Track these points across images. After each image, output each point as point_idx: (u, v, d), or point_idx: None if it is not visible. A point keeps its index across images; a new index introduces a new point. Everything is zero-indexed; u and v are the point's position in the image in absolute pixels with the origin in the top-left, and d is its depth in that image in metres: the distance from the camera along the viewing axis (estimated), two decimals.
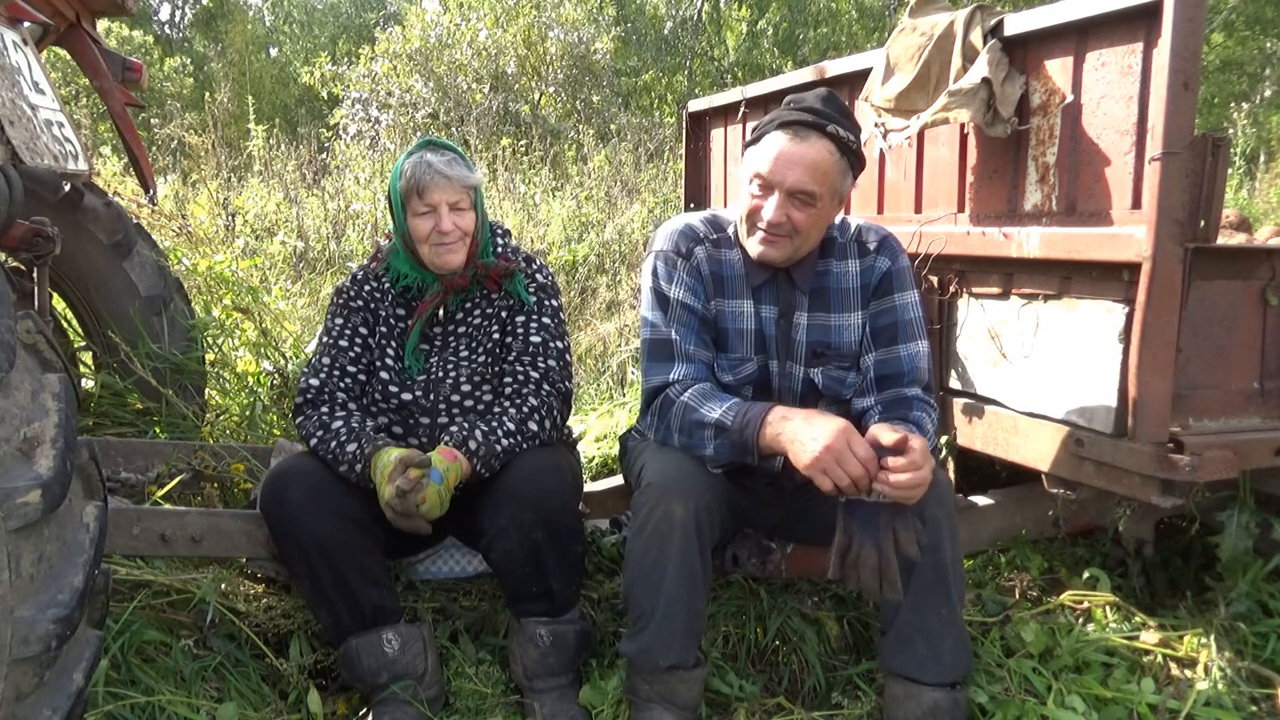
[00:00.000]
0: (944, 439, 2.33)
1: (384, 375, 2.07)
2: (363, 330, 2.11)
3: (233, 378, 3.21)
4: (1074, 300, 1.94)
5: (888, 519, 1.62)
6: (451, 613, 2.19)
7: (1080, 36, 1.87)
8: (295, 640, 2.02)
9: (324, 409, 2.01)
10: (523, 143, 7.97)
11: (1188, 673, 1.95)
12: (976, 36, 2.02)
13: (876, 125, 2.27)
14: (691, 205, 3.47)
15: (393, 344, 2.11)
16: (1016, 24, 1.97)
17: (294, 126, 11.33)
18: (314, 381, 2.04)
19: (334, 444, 1.93)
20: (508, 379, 2.07)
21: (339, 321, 2.11)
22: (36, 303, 2.30)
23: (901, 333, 1.89)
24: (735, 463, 1.77)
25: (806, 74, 2.69)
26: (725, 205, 3.22)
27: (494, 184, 6.94)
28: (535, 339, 2.09)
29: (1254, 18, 14.47)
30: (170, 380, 2.73)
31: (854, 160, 1.80)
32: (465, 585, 2.26)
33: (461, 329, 2.12)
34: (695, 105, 3.38)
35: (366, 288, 2.14)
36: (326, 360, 2.07)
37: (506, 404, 2.03)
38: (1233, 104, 12.37)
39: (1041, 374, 2.03)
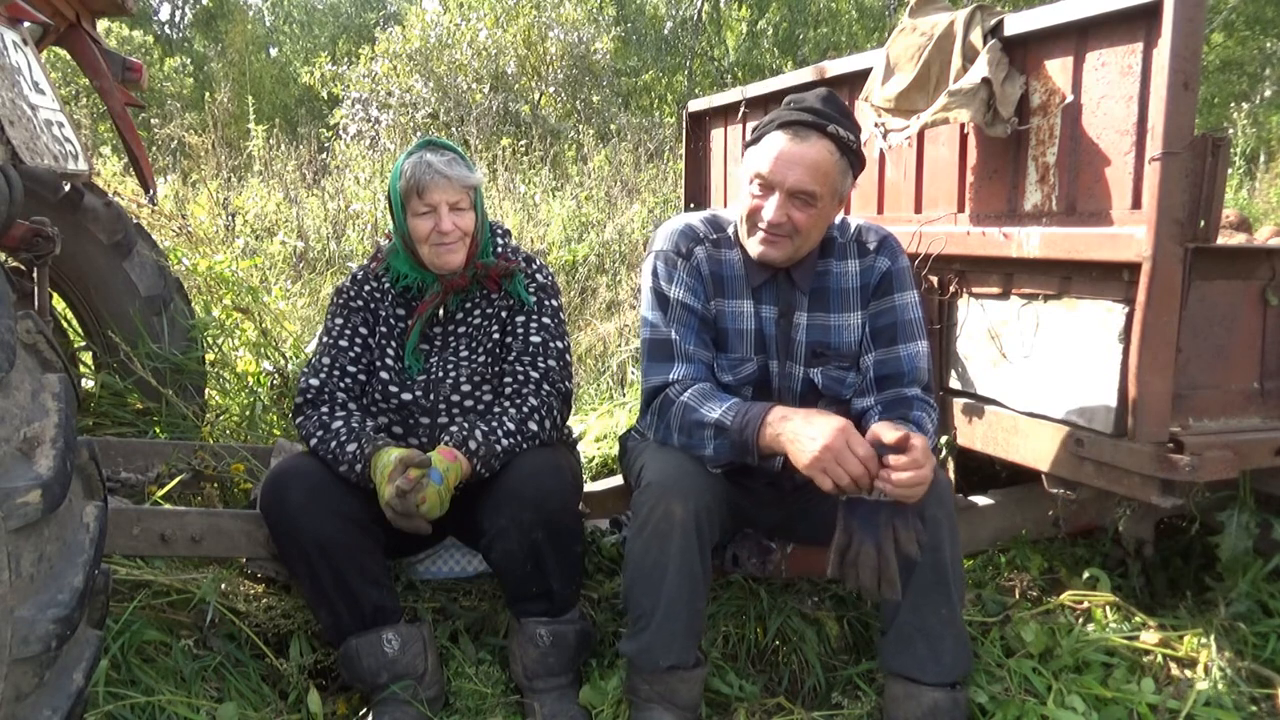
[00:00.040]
0: (944, 439, 2.33)
1: (384, 375, 2.07)
2: (363, 330, 2.11)
3: (233, 378, 3.21)
4: (1074, 300, 1.94)
5: (888, 518, 1.62)
6: (451, 613, 2.19)
7: (1080, 36, 1.87)
8: (295, 640, 2.02)
9: (324, 409, 2.01)
10: (523, 143, 7.97)
11: (1188, 673, 1.95)
12: (976, 36, 2.02)
13: (876, 125, 2.27)
14: (691, 205, 3.47)
15: (393, 344, 2.11)
16: (1016, 24, 1.97)
17: (294, 126, 11.33)
18: (314, 381, 2.04)
19: (334, 444, 1.93)
20: (508, 379, 2.07)
21: (339, 321, 2.11)
22: (36, 303, 2.30)
23: (901, 333, 1.89)
24: (735, 462, 1.78)
25: (806, 74, 2.69)
26: (725, 205, 3.22)
27: (494, 184, 6.94)
28: (535, 339, 2.09)
29: (1254, 18, 14.48)
30: (170, 380, 2.73)
31: (854, 160, 1.80)
32: (465, 585, 2.26)
33: (461, 329, 2.12)
34: (695, 105, 3.38)
35: (366, 288, 2.14)
36: (326, 360, 2.07)
37: (506, 404, 2.03)
38: (1233, 104, 12.38)
39: (1041, 374, 2.03)
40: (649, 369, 1.88)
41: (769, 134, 1.78)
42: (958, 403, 2.28)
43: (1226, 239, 3.22)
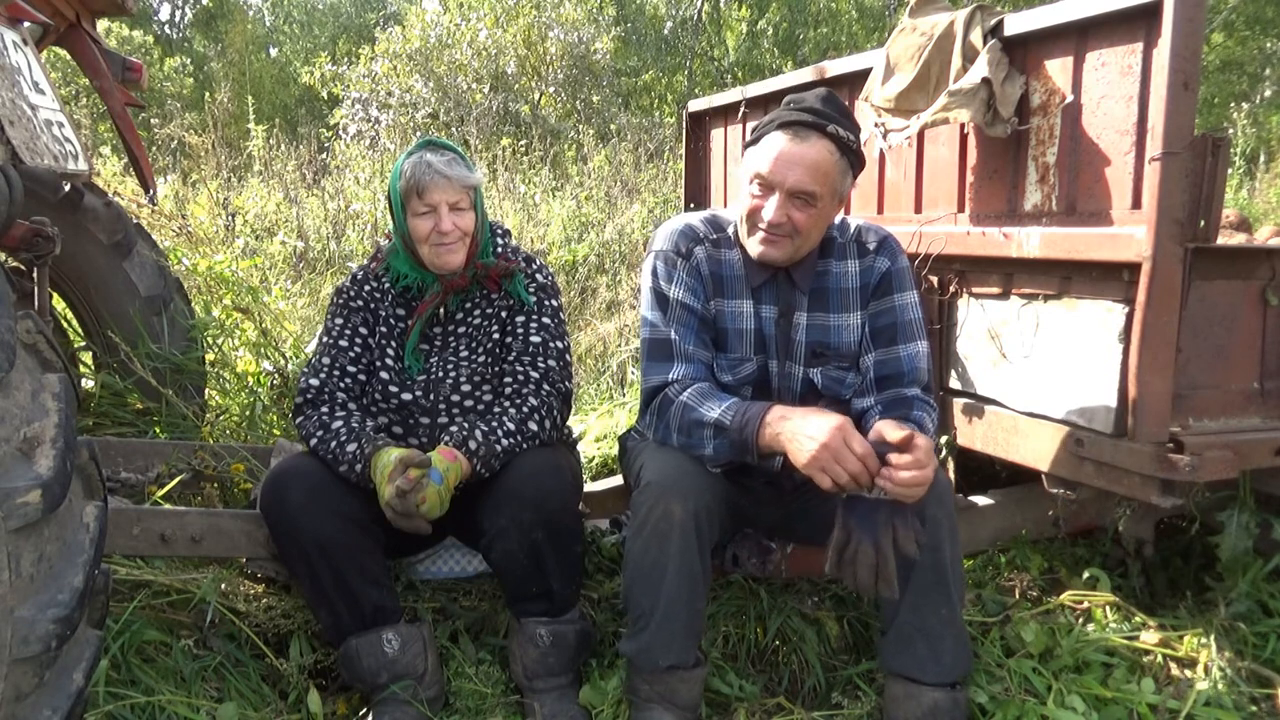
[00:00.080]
0: (944, 439, 2.33)
1: (384, 375, 2.07)
2: (363, 330, 2.11)
3: (233, 378, 3.21)
4: (1074, 300, 1.94)
5: (887, 516, 1.61)
6: (451, 613, 2.19)
7: (1080, 36, 1.87)
8: (295, 640, 2.02)
9: (324, 409, 2.02)
10: (523, 143, 7.97)
11: (1188, 673, 1.95)
12: (976, 36, 2.02)
13: (876, 125, 2.27)
14: (691, 205, 3.47)
15: (393, 344, 2.11)
16: (1016, 24, 1.97)
17: (294, 126, 11.34)
18: (314, 381, 2.04)
19: (334, 444, 1.93)
20: (508, 379, 2.07)
21: (339, 321, 2.11)
22: (36, 303, 2.30)
23: (901, 333, 1.89)
24: (734, 462, 1.78)
25: (806, 74, 2.69)
26: (725, 205, 3.22)
27: (494, 184, 6.94)
28: (535, 339, 2.09)
29: (1254, 18, 14.47)
30: (170, 380, 2.74)
31: (854, 160, 1.80)
32: (465, 585, 2.26)
33: (461, 329, 2.12)
34: (695, 105, 3.38)
35: (366, 288, 2.14)
36: (326, 360, 2.07)
37: (506, 404, 2.03)
38: (1233, 104, 12.38)
39: (1041, 374, 2.03)
40: (648, 369, 1.88)
41: (769, 134, 1.78)
42: (958, 403, 2.28)
43: (1226, 239, 3.22)
